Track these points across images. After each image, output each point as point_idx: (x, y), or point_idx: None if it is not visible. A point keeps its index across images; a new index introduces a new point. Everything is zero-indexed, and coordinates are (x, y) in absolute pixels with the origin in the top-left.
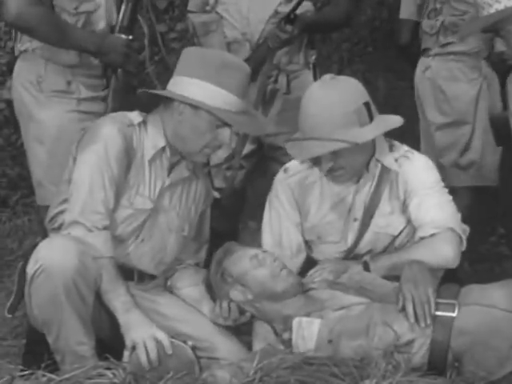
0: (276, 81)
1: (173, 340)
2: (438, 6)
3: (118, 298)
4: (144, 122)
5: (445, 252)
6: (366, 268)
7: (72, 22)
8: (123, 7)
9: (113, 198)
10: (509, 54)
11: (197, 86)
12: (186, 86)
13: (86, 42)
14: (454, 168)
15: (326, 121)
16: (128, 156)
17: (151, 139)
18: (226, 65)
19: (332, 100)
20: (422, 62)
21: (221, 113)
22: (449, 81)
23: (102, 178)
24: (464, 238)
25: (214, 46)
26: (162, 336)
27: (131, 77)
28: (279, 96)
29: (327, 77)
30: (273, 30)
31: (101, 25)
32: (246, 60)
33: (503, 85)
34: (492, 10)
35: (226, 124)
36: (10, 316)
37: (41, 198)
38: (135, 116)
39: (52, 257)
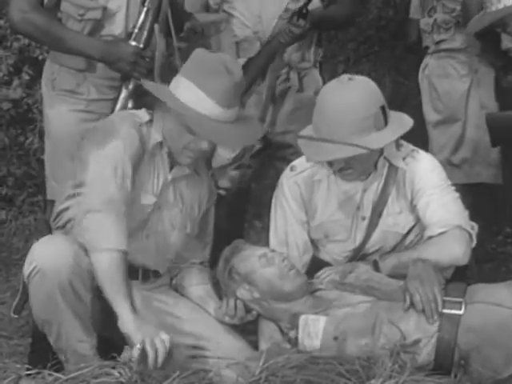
0: (288, 78)
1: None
2: (435, 3)
3: (128, 299)
4: (151, 121)
5: (454, 250)
6: (376, 266)
7: (78, 28)
8: (142, 15)
9: (128, 191)
10: None
11: (185, 87)
12: (178, 85)
13: (89, 50)
14: (447, 166)
15: (344, 124)
16: (140, 156)
17: (153, 135)
18: (216, 71)
19: (351, 103)
20: (424, 60)
21: (194, 118)
22: (442, 77)
23: (121, 171)
24: (473, 234)
25: (223, 46)
26: (167, 337)
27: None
28: (291, 94)
29: (345, 77)
30: (284, 25)
31: (117, 31)
32: (256, 56)
33: (499, 80)
34: (500, 6)
35: (190, 131)
36: (15, 316)
37: (48, 191)
38: (143, 114)
39: (46, 257)
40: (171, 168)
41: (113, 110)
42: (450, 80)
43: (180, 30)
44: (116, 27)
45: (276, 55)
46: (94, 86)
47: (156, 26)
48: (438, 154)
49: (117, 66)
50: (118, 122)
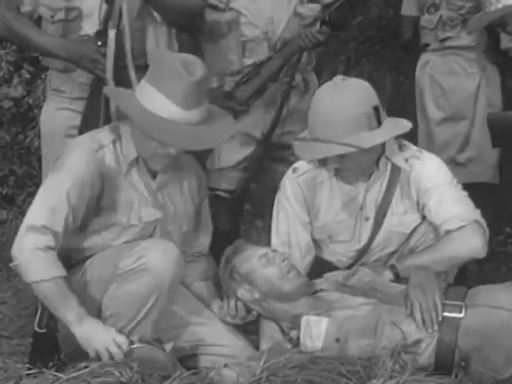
0: (293, 79)
1: (141, 344)
2: (437, 0)
3: (72, 311)
4: (119, 138)
5: (474, 243)
6: (394, 270)
7: (53, 30)
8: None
9: (63, 223)
10: None
11: (147, 91)
12: (142, 90)
13: (55, 49)
14: (451, 164)
15: (335, 123)
16: (101, 181)
17: (124, 152)
18: (176, 72)
19: (343, 103)
20: (422, 57)
21: (152, 123)
22: (447, 75)
23: (60, 203)
24: (487, 229)
25: (231, 46)
26: (122, 340)
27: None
28: (294, 95)
29: (338, 78)
30: (306, 30)
31: (92, 31)
32: (271, 58)
33: (504, 79)
34: (499, 5)
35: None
36: (18, 316)
37: None
38: (106, 135)
39: (155, 257)
40: (155, 176)
41: (88, 109)
42: (456, 77)
43: (183, 28)
44: (91, 27)
45: (291, 59)
46: (77, 85)
47: (110, 23)
48: (441, 152)
49: (81, 64)
50: (72, 151)
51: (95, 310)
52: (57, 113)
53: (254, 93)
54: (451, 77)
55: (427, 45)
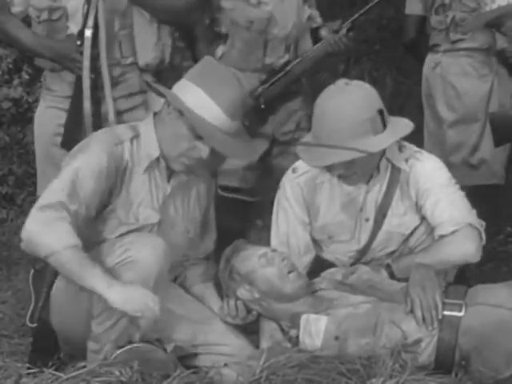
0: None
1: (142, 343)
2: (447, 1)
3: (98, 277)
4: (137, 136)
5: (467, 248)
6: (389, 270)
7: (39, 30)
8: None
9: (77, 204)
10: (510, 51)
11: (192, 92)
12: (184, 89)
13: (40, 48)
14: (464, 166)
15: (340, 129)
16: (116, 175)
17: (145, 150)
18: (227, 81)
19: (347, 108)
20: (431, 58)
21: (203, 124)
22: (459, 76)
23: (80, 183)
24: (483, 231)
25: (259, 43)
26: (156, 298)
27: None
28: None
29: (341, 82)
30: (334, 36)
31: (76, 31)
32: (298, 62)
33: None
34: (494, 6)
35: (199, 137)
36: (18, 315)
37: (38, 188)
38: (124, 131)
39: (141, 249)
40: (169, 179)
41: (72, 107)
42: (469, 78)
43: (176, 27)
44: (76, 26)
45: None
46: (66, 84)
47: (87, 22)
48: (453, 153)
49: (63, 64)
50: (92, 141)
51: (87, 308)
52: (47, 111)
53: (278, 94)
54: (464, 78)
55: (436, 45)
